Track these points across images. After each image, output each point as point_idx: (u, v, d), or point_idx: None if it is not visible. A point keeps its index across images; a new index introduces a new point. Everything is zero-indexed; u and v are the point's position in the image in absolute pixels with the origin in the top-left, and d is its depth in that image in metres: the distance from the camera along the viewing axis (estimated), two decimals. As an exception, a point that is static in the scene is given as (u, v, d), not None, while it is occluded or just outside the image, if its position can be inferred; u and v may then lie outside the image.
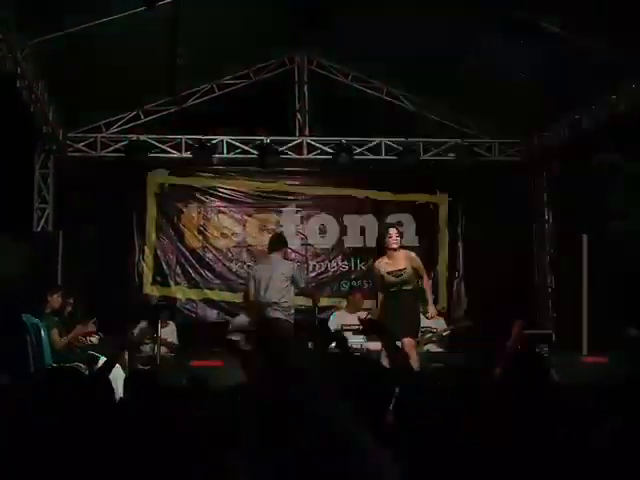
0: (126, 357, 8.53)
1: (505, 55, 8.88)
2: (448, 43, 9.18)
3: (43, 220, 10.92)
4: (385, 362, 4.44)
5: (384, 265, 8.06)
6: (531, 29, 7.98)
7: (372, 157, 11.52)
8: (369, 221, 11.85)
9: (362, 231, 11.92)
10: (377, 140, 11.52)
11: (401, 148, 11.38)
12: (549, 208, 12.03)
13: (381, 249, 8.21)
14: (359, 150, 11.43)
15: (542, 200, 12.09)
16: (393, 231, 8.18)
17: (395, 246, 8.04)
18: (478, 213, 11.82)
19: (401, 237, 8.23)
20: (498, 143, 11.88)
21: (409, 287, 8.05)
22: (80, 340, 8.54)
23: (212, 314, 11.62)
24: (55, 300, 8.56)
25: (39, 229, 10.87)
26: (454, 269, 12.14)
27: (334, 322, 10.35)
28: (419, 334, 8.46)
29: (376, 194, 12.01)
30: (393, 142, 11.51)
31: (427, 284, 8.40)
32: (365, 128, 11.23)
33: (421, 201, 12.10)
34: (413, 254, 8.21)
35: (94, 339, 8.80)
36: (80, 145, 11.22)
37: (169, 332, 10.35)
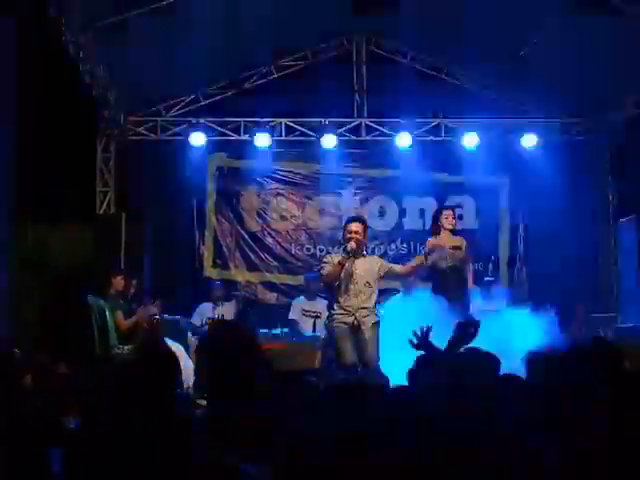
0: None
1: (568, 33, 8.70)
2: (511, 21, 9.02)
3: (105, 203, 11.05)
4: None
5: (438, 242, 8.01)
6: (597, 4, 7.80)
7: (432, 138, 11.39)
8: (429, 203, 11.65)
9: (421, 213, 11.75)
10: (437, 121, 11.37)
11: (462, 129, 11.22)
12: (614, 188, 11.74)
13: (437, 229, 8.15)
14: (419, 131, 11.31)
15: (607, 181, 11.80)
16: (449, 212, 8.19)
17: (450, 227, 8.05)
18: (540, 195, 11.60)
19: (457, 220, 8.25)
20: (560, 122, 11.63)
21: (459, 267, 8.05)
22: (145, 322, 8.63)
23: (271, 297, 11.64)
24: (118, 282, 8.66)
25: (101, 212, 11.00)
26: (515, 252, 11.93)
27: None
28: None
29: (436, 176, 11.85)
30: (453, 123, 11.36)
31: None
32: (425, 108, 11.10)
33: (482, 183, 11.91)
34: (465, 243, 8.16)
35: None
36: (141, 129, 11.32)
37: (228, 310, 10.30)
